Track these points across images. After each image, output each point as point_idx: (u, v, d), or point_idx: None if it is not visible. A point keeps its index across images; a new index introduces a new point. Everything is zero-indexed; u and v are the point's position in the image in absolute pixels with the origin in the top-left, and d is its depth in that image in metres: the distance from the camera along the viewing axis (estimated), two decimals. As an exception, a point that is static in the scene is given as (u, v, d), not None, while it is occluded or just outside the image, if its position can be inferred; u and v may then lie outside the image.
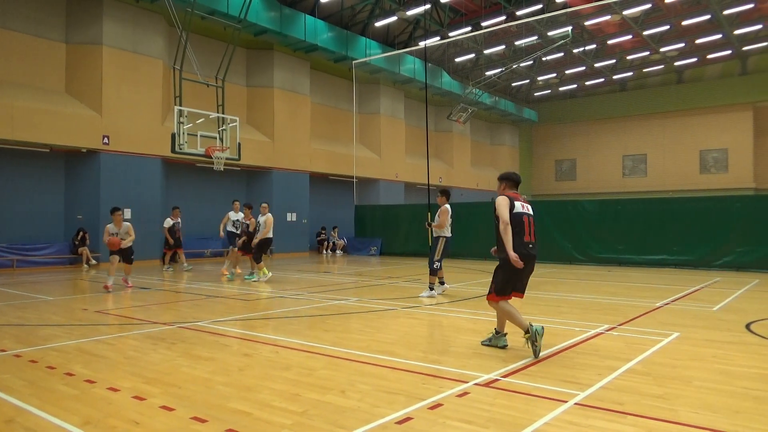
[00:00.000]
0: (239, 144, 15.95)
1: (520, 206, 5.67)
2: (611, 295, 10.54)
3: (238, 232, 14.24)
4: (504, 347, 5.88)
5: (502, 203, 5.66)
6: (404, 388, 4.49)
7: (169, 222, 16.18)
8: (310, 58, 24.15)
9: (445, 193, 10.33)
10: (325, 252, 24.80)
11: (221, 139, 15.43)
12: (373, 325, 7.40)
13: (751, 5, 25.07)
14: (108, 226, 11.33)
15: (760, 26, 28.21)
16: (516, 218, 5.56)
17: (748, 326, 7.24)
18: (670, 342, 6.26)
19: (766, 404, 4.14)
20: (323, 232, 25.59)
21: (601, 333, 6.78)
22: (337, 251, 25.01)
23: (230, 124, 15.57)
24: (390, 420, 3.74)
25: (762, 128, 33.48)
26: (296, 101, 23.53)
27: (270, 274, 13.12)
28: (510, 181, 5.91)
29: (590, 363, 5.31)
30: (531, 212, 5.80)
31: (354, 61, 24.26)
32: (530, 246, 5.66)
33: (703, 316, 8.14)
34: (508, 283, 5.72)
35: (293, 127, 23.40)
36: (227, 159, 15.71)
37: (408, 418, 3.77)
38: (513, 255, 5.44)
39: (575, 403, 4.09)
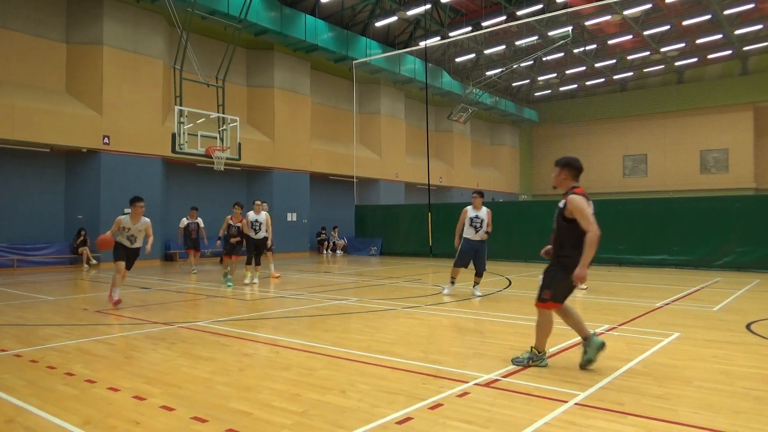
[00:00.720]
0: (239, 144, 15.96)
1: (591, 206, 4.86)
2: (611, 295, 10.54)
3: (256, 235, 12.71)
4: (589, 360, 4.99)
5: (584, 207, 4.75)
6: (404, 388, 4.49)
7: (184, 222, 15.83)
8: (311, 58, 24.15)
9: (482, 194, 10.28)
10: (325, 252, 24.80)
11: (221, 139, 15.44)
12: (373, 325, 7.39)
13: (752, 5, 25.06)
14: (121, 218, 9.02)
15: (760, 26, 28.20)
16: None
17: (748, 326, 7.24)
18: (670, 342, 6.26)
19: (767, 404, 4.13)
20: (323, 232, 25.59)
21: (602, 333, 6.77)
22: (338, 251, 25.02)
23: (230, 124, 15.58)
24: (390, 420, 3.74)
25: (762, 128, 33.47)
26: (296, 101, 23.52)
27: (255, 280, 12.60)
28: (573, 169, 4.94)
29: (590, 363, 5.30)
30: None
31: (354, 61, 24.27)
32: None
33: (703, 316, 8.14)
34: (568, 292, 5.00)
35: (293, 127, 23.39)
36: (227, 159, 15.72)
37: (408, 418, 3.77)
38: (584, 273, 4.72)
39: (575, 403, 4.09)
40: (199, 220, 16.00)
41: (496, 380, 4.70)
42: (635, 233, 16.94)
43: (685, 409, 4.04)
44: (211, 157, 15.15)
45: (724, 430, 3.61)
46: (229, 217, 12.50)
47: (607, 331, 6.92)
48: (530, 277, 14.11)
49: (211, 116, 15.55)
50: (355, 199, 25.18)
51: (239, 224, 12.40)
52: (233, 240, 12.35)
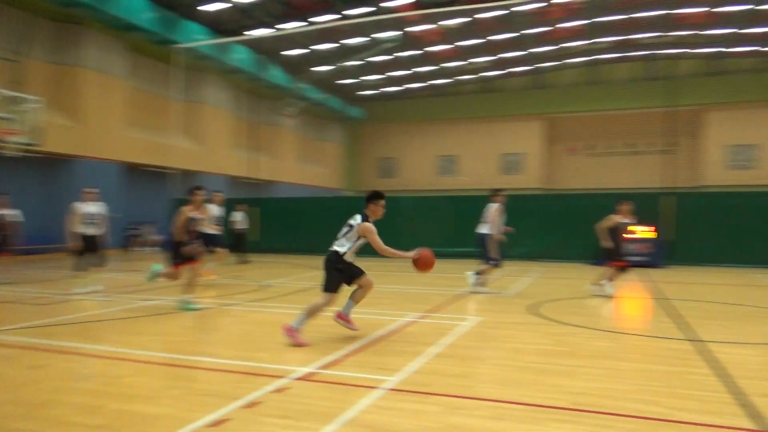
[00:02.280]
0: (39, 128, 14.04)
1: None
2: (424, 285, 11.33)
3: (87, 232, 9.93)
4: None
5: None
6: (220, 389, 4.37)
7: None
8: (128, 37, 22.13)
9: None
10: (138, 249, 22.96)
11: (15, 121, 13.46)
12: (188, 325, 7.05)
13: (550, 28, 28.78)
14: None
15: (554, 47, 32.41)
16: None
17: (534, 308, 8.30)
18: (470, 326, 6.94)
19: (545, 375, 4.80)
20: (137, 227, 23.66)
21: (414, 321, 7.26)
22: (151, 248, 23.31)
23: (28, 105, 13.65)
24: (203, 424, 3.62)
25: (552, 137, 38.48)
26: (110, 84, 21.37)
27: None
28: None
29: (402, 350, 5.67)
30: None
31: (179, 45, 22.71)
32: None
33: (498, 301, 9.16)
34: None
35: (105, 111, 21.23)
36: (24, 144, 13.75)
37: (224, 420, 3.68)
38: None
39: (388, 389, 4.35)
40: (13, 212, 12.05)
41: (315, 373, 4.80)
42: (447, 227, 18.45)
43: (481, 385, 4.54)
44: (2, 142, 13.15)
45: (513, 399, 4.13)
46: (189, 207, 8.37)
47: (419, 318, 7.44)
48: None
49: (2, 94, 13.46)
50: (174, 192, 23.67)
51: (203, 216, 8.96)
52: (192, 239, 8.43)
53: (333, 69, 30.90)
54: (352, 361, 5.20)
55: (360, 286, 6.30)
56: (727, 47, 31.16)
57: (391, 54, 31.76)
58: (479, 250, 10.35)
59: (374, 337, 6.27)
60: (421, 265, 6.30)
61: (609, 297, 9.51)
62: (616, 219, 9.64)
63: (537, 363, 5.21)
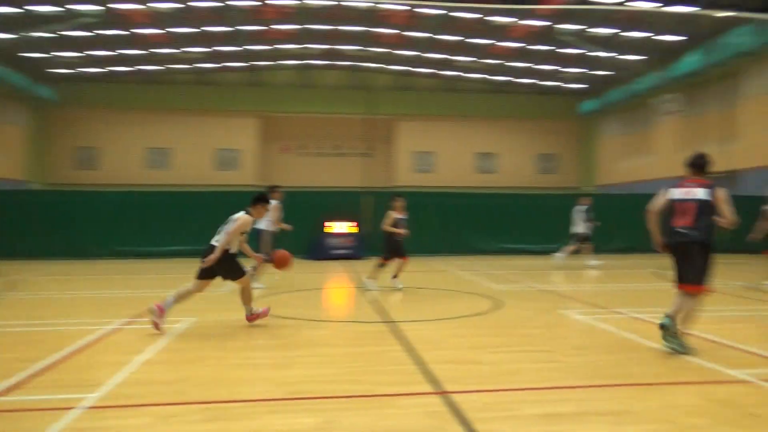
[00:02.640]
0: None
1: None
2: (129, 288, 10.45)
3: None
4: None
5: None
6: None
7: None
8: None
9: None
10: None
11: None
12: None
13: (265, 27, 29.20)
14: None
15: (269, 47, 33.05)
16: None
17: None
18: (184, 328, 6.67)
19: (261, 369, 4.90)
20: None
21: (119, 328, 6.64)
22: None
23: None
24: None
25: (267, 134, 39.28)
26: None
27: None
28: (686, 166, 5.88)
29: (105, 361, 5.14)
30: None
31: None
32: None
33: (213, 299, 8.95)
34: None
35: None
36: None
37: None
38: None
39: (88, 407, 3.88)
40: None
41: (-12, 403, 4.00)
42: (156, 225, 17.33)
43: (195, 388, 4.40)
44: None
45: (229, 398, 4.11)
46: None
47: (126, 325, 6.84)
48: (43, 275, 12.60)
49: None
50: None
51: None
52: None
53: (15, 38, 25.86)
54: (39, 382, 4.49)
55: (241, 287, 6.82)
56: (414, 67, 36.32)
57: (91, 30, 28.19)
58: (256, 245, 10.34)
59: (70, 350, 5.51)
60: (279, 263, 7.45)
61: (399, 289, 10.10)
62: (394, 216, 10.10)
63: (253, 358, 5.30)
